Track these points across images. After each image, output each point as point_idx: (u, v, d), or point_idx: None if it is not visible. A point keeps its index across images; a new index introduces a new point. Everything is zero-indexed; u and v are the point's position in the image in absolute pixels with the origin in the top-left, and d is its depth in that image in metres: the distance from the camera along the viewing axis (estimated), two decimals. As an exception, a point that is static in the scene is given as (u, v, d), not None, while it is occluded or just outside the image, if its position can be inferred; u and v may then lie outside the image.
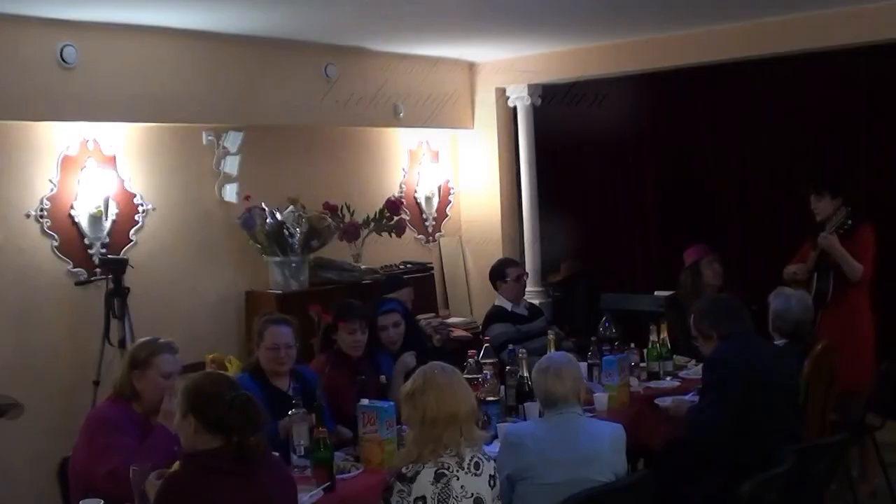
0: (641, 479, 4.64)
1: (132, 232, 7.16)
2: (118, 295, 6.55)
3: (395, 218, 8.51)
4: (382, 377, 5.50)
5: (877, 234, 6.89)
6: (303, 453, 4.60)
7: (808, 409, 5.67)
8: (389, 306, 6.37)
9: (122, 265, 6.66)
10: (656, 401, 6.08)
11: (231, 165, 7.58)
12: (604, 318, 6.79)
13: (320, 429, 4.50)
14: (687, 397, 5.98)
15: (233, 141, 7.56)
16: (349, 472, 4.62)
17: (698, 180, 9.14)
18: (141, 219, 7.20)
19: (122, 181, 7.10)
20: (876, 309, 7.00)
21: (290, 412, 4.72)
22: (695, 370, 6.50)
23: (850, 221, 6.78)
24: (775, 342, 5.95)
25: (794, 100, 8.48)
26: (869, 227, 6.87)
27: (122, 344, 6.41)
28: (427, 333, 7.15)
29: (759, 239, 8.74)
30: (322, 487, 4.33)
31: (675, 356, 6.75)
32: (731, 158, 8.90)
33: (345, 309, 5.85)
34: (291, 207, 7.62)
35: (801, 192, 7.27)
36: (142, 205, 7.21)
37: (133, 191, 7.16)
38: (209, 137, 7.55)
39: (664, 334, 6.70)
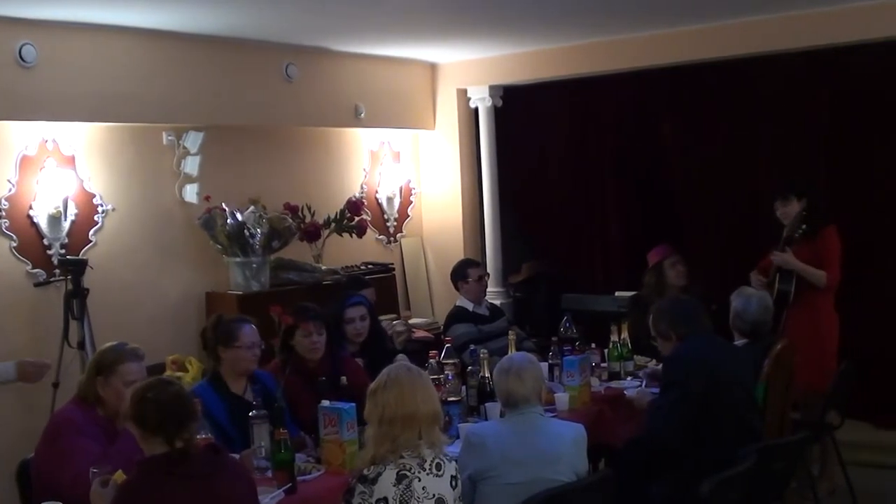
0: (602, 478, 4.66)
1: (92, 232, 7.11)
2: (77, 296, 6.50)
3: (357, 218, 8.50)
4: (343, 378, 5.49)
5: (840, 234, 6.95)
6: (263, 455, 4.58)
7: (768, 409, 5.71)
8: (357, 299, 6.41)
9: (81, 266, 6.61)
10: (625, 390, 6.17)
11: (191, 166, 7.54)
12: (565, 319, 6.81)
13: (281, 430, 4.49)
14: (651, 389, 6.04)
15: (193, 141, 7.52)
16: (310, 473, 4.61)
17: (660, 181, 9.17)
18: (100, 219, 7.15)
19: (82, 181, 7.05)
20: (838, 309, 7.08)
21: (250, 414, 4.70)
22: (654, 368, 6.55)
23: (804, 226, 6.84)
24: (735, 342, 6.00)
25: (757, 100, 8.52)
26: (832, 229, 6.92)
27: (81, 346, 6.37)
28: (389, 334, 7.15)
29: (721, 239, 8.78)
30: (283, 489, 4.32)
31: (636, 356, 6.78)
32: (694, 159, 8.93)
33: (301, 311, 5.84)
34: (252, 208, 7.59)
35: (763, 193, 7.33)
36: (101, 205, 7.16)
37: (92, 191, 7.11)
38: (169, 137, 7.52)
39: (625, 334, 6.73)
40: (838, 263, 6.88)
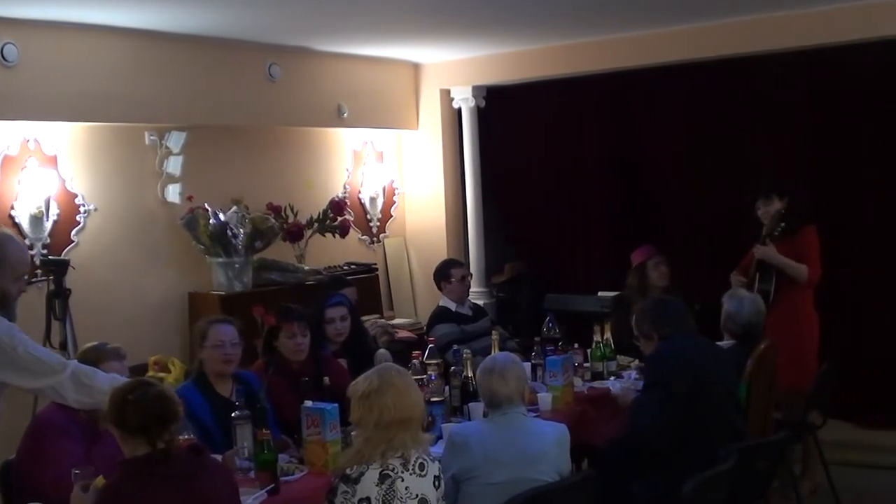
0: (585, 478, 4.66)
1: (74, 232, 7.09)
2: (59, 296, 6.46)
3: (339, 219, 8.50)
4: (326, 378, 5.48)
5: (821, 234, 6.98)
6: (246, 456, 4.57)
7: (750, 408, 5.73)
8: (337, 299, 6.41)
9: (63, 266, 6.57)
10: (610, 387, 6.21)
11: (174, 166, 7.52)
12: (547, 319, 6.81)
13: (264, 431, 4.49)
14: (635, 386, 6.07)
15: (176, 141, 7.51)
16: (293, 474, 4.60)
17: (643, 181, 9.19)
18: (83, 219, 7.13)
19: (64, 181, 7.02)
20: (817, 307, 7.10)
21: (232, 415, 4.69)
22: (638, 367, 6.57)
23: (783, 224, 6.87)
24: (724, 342, 6.01)
25: (740, 101, 8.55)
26: (811, 229, 6.95)
27: (63, 346, 6.33)
28: (372, 334, 7.15)
29: (704, 239, 8.80)
30: (266, 490, 4.31)
31: (618, 356, 6.79)
32: (676, 159, 8.96)
33: (284, 312, 5.83)
34: (235, 208, 7.59)
35: (746, 193, 7.35)
36: (83, 205, 7.14)
37: (74, 191, 7.09)
38: (152, 137, 7.49)
39: (608, 335, 6.75)
40: (818, 261, 6.91)
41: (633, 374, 6.50)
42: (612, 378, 6.57)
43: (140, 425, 3.54)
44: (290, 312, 5.77)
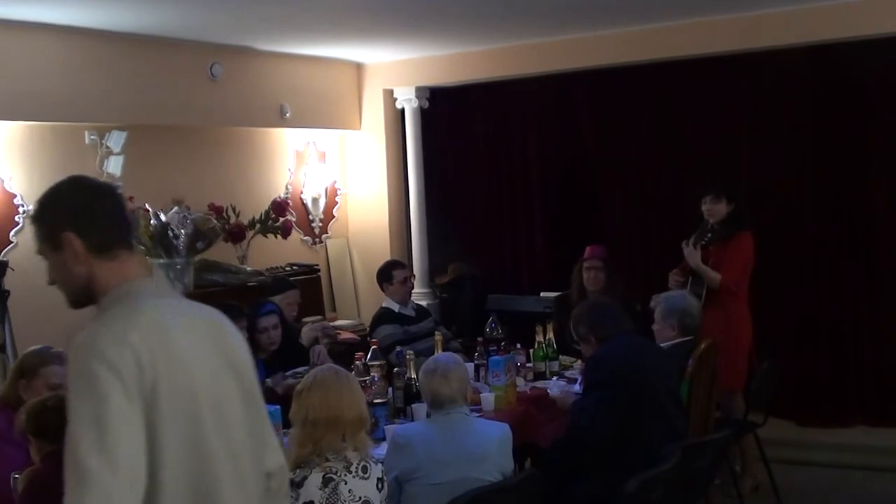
0: (528, 478, 4.67)
1: (12, 233, 7.00)
2: (-2, 298, 6.41)
3: (281, 219, 8.46)
4: (268, 380, 5.47)
5: (756, 240, 7.06)
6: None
7: (691, 407, 5.79)
8: (269, 308, 6.38)
9: (1, 268, 6.51)
10: (548, 389, 6.18)
11: (114, 166, 7.45)
12: (490, 319, 6.84)
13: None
14: (574, 388, 6.09)
15: (116, 141, 7.44)
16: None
17: (584, 182, 9.24)
18: (21, 220, 7.04)
19: (2, 181, 6.94)
20: (757, 309, 7.18)
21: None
22: (580, 369, 6.59)
23: (709, 235, 6.98)
24: (666, 343, 6.05)
25: (679, 103, 8.62)
26: (746, 235, 7.04)
27: (2, 349, 6.27)
28: (313, 336, 7.12)
29: (645, 240, 8.87)
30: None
31: (561, 356, 6.84)
32: (617, 160, 9.02)
33: (228, 310, 5.80)
34: (176, 209, 7.52)
35: (687, 194, 7.43)
36: (22, 205, 7.05)
37: (13, 191, 7.01)
38: (92, 137, 7.42)
39: (550, 335, 6.79)
40: (740, 268, 7.00)
41: (579, 378, 6.50)
42: (554, 378, 6.60)
43: (60, 426, 3.52)
44: (231, 309, 5.77)
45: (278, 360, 6.20)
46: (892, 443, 7.63)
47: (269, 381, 5.52)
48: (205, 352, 2.52)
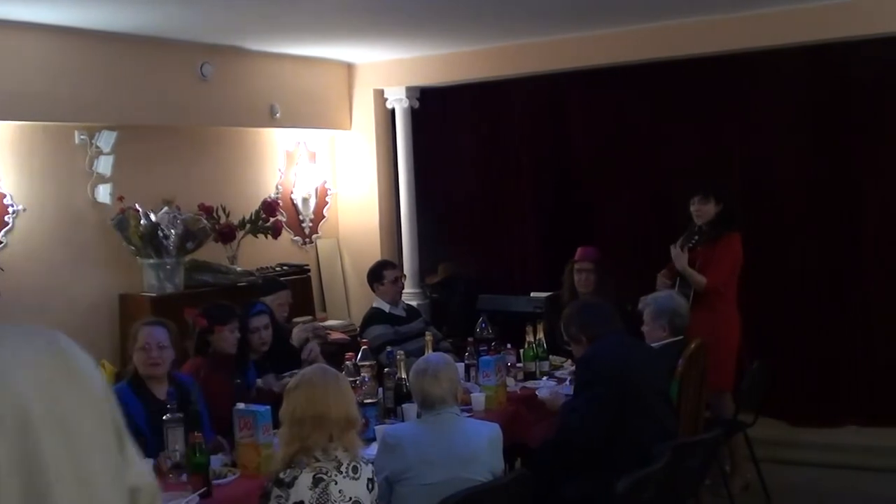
0: (518, 478, 4.68)
1: (2, 233, 6.98)
2: (-13, 298, 6.40)
3: (272, 219, 8.45)
4: (259, 381, 5.47)
5: (746, 240, 7.08)
6: (179, 459, 4.54)
7: (681, 407, 5.79)
8: (259, 308, 6.37)
9: (-9, 268, 6.51)
10: (537, 391, 6.18)
11: (104, 166, 7.44)
12: (481, 319, 6.85)
13: (196, 434, 4.45)
14: (563, 390, 6.09)
15: (106, 141, 7.42)
16: (226, 477, 4.58)
17: (575, 182, 9.24)
18: (11, 220, 7.03)
19: (-8, 181, 6.94)
20: (749, 309, 7.18)
21: (164, 417, 4.65)
22: (571, 370, 6.59)
23: (696, 238, 7.00)
24: (657, 343, 6.05)
25: (670, 104, 8.62)
26: (735, 236, 7.06)
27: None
28: (304, 336, 7.12)
29: (635, 240, 8.85)
30: (198, 493, 4.28)
31: (551, 356, 6.85)
32: (607, 161, 9.02)
33: (221, 311, 5.84)
34: (166, 209, 7.52)
35: (676, 195, 7.43)
36: (12, 205, 7.03)
37: (3, 191, 6.99)
38: (82, 137, 7.40)
39: (540, 335, 6.79)
40: (727, 270, 7.01)
41: (569, 378, 6.50)
42: (544, 378, 6.61)
43: None
44: (223, 309, 5.81)
45: (269, 360, 6.20)
46: (883, 442, 7.64)
47: (259, 381, 5.52)
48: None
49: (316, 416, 3.83)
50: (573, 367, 6.38)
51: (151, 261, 7.50)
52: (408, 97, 9.37)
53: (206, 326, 5.79)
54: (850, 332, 8.07)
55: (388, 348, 6.56)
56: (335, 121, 9.53)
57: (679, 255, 7.00)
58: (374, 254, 9.18)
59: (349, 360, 5.66)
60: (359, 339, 6.74)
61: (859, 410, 8.02)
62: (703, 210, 7.09)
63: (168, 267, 7.51)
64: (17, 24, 6.68)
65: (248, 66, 8.47)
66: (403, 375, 5.64)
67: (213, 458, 4.63)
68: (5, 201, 7.01)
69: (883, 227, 7.94)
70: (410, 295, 8.95)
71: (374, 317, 7.40)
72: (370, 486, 3.92)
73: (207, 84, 8.04)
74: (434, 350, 6.06)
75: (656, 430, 5.15)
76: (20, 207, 7.09)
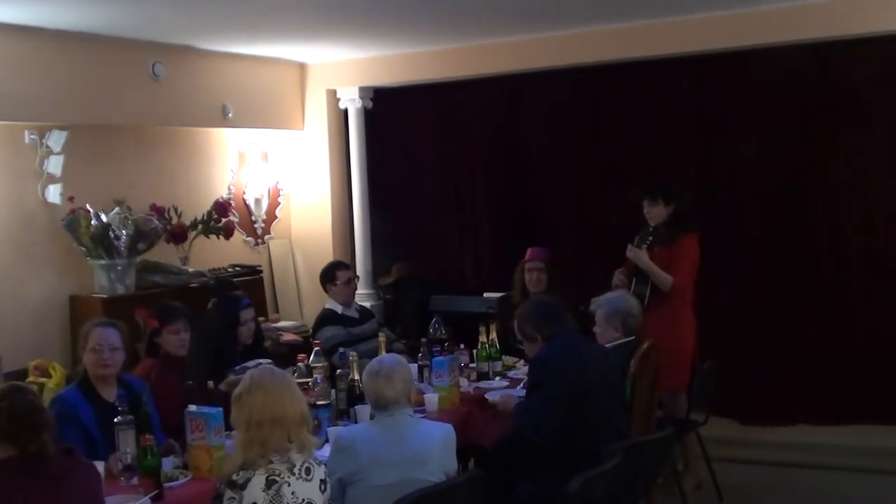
0: (472, 478, 4.67)
1: (-50, 233, 6.93)
2: (-66, 299, 6.33)
3: (224, 220, 8.41)
4: (210, 382, 5.44)
5: (701, 242, 7.11)
6: (129, 461, 4.51)
7: (634, 406, 5.82)
8: (247, 301, 6.45)
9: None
10: (486, 395, 6.19)
11: (55, 166, 7.36)
12: (434, 320, 6.86)
13: (147, 436, 4.42)
14: (515, 392, 6.10)
15: (56, 140, 7.35)
16: (177, 479, 4.55)
17: (528, 182, 9.26)
18: (-40, 219, 6.97)
19: (-61, 181, 6.86)
20: (701, 308, 7.23)
21: (115, 420, 4.62)
22: (524, 370, 6.59)
23: (650, 238, 7.03)
24: (611, 343, 6.08)
25: (624, 105, 8.68)
26: (691, 237, 7.08)
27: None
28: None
29: (588, 240, 8.89)
30: (150, 496, 4.25)
31: (504, 356, 6.86)
32: (561, 162, 9.05)
33: (167, 311, 5.83)
34: (117, 209, 7.46)
35: (631, 195, 7.47)
36: (-40, 205, 6.98)
37: (-50, 191, 6.93)
38: (32, 136, 7.33)
39: (493, 335, 6.81)
40: (689, 270, 7.04)
41: (524, 380, 6.49)
42: (497, 378, 6.62)
43: (12, 433, 3.52)
44: (173, 310, 5.80)
45: (247, 356, 6.16)
46: (834, 440, 7.72)
47: (210, 383, 5.49)
48: None
49: (275, 418, 3.82)
50: (526, 367, 6.40)
51: (102, 262, 7.44)
52: (361, 97, 9.36)
53: (158, 327, 5.77)
54: (800, 332, 8.14)
55: (341, 349, 6.54)
56: (288, 121, 9.50)
57: (640, 253, 7.01)
58: (327, 254, 9.17)
59: (301, 361, 5.65)
60: (311, 340, 6.73)
61: (810, 409, 8.10)
62: (653, 212, 7.13)
63: (119, 268, 7.46)
64: (-36, 22, 6.62)
65: (200, 66, 8.42)
66: (356, 377, 5.63)
67: (164, 460, 4.60)
68: (-47, 201, 6.94)
69: (835, 227, 8.05)
70: (363, 296, 8.94)
71: (326, 318, 7.39)
72: (323, 487, 3.91)
73: (159, 83, 7.99)
74: (387, 351, 6.05)
75: (609, 429, 5.17)
76: (-30, 207, 7.02)
